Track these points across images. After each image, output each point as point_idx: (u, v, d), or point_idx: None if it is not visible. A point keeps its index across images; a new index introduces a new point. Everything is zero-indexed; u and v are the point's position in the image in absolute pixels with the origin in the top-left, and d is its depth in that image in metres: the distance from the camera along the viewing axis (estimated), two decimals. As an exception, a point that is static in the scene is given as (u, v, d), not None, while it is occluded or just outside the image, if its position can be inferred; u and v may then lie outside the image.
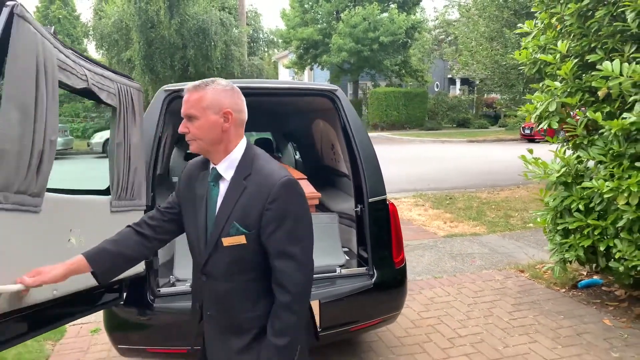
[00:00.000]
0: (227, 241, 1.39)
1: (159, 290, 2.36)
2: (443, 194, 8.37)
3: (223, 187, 1.44)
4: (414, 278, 4.31)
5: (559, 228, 3.72)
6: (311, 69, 29.67)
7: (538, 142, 15.43)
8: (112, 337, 2.38)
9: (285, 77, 39.49)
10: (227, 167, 1.43)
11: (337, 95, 2.75)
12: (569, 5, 3.50)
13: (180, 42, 15.76)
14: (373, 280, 2.59)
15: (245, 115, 1.49)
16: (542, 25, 3.92)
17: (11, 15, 1.32)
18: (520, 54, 3.98)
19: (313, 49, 25.88)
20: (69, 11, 54.30)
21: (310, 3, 26.25)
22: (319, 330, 2.33)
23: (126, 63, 16.71)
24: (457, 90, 32.08)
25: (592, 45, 3.42)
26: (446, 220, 6.52)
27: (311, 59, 26.74)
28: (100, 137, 15.09)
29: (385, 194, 2.70)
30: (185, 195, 1.54)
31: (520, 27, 4.06)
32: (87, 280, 1.59)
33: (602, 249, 3.33)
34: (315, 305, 2.37)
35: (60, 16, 52.71)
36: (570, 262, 3.74)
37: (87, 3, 50.39)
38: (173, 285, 2.56)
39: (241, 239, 1.38)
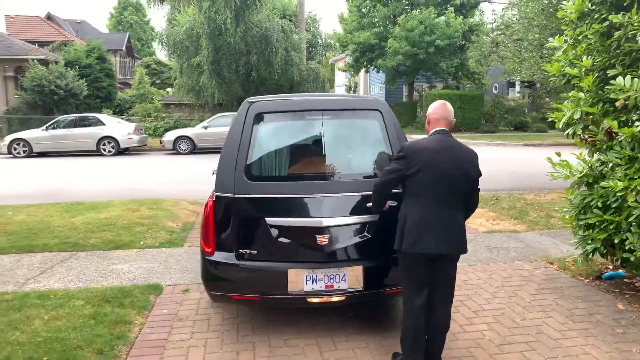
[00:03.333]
0: None
1: (242, 252, 3.14)
2: (489, 194, 8.74)
3: None
4: (450, 264, 4.87)
5: (581, 223, 4.17)
6: (367, 71, 30.24)
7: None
8: (206, 285, 3.20)
9: (341, 79, 40.26)
10: None
11: None
12: (592, 26, 3.96)
13: (245, 49, 16.88)
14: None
15: (437, 116, 2.85)
16: (572, 41, 4.37)
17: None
18: (551, 67, 4.46)
19: (369, 52, 26.45)
20: (140, 17, 58.32)
21: (367, 7, 26.85)
22: None
23: (195, 68, 18.11)
24: (516, 93, 31.48)
25: (612, 61, 3.87)
26: (489, 218, 6.96)
27: (367, 61, 27.31)
28: (171, 136, 16.48)
29: None
30: None
31: (551, 42, 4.52)
32: None
33: (616, 241, 3.78)
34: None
35: (132, 21, 56.70)
36: (593, 253, 4.18)
37: (159, 11, 53.76)
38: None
39: None
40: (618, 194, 3.62)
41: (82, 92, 21.37)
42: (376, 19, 26.80)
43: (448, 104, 2.89)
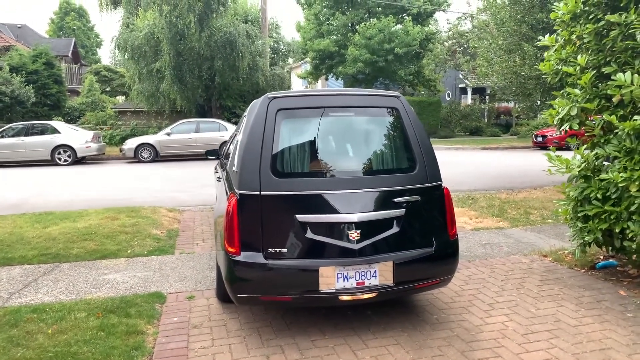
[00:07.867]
0: None
1: (270, 251, 3.01)
2: (465, 194, 8.98)
3: None
4: (450, 261, 4.92)
5: (579, 215, 4.33)
6: (326, 78, 30.46)
7: (550, 149, 15.97)
8: (232, 288, 3.04)
9: (298, 87, 40.34)
10: None
11: None
12: (587, 26, 4.15)
13: (209, 54, 16.51)
14: (433, 248, 3.24)
15: None
16: (563, 40, 4.57)
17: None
18: (544, 65, 4.63)
19: (329, 59, 26.65)
20: (84, 22, 55.83)
21: (325, 16, 27.08)
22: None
23: (155, 73, 17.52)
24: (468, 99, 32.69)
25: (607, 59, 4.07)
26: (471, 217, 7.12)
27: (326, 69, 27.49)
28: (132, 143, 15.83)
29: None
30: None
31: (541, 40, 4.70)
32: None
33: (617, 230, 3.95)
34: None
35: (74, 27, 54.17)
36: (590, 244, 4.35)
37: (111, 15, 51.65)
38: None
39: None
40: (620, 185, 3.79)
41: (30, 99, 20.14)
42: (334, 27, 27.08)
43: None
